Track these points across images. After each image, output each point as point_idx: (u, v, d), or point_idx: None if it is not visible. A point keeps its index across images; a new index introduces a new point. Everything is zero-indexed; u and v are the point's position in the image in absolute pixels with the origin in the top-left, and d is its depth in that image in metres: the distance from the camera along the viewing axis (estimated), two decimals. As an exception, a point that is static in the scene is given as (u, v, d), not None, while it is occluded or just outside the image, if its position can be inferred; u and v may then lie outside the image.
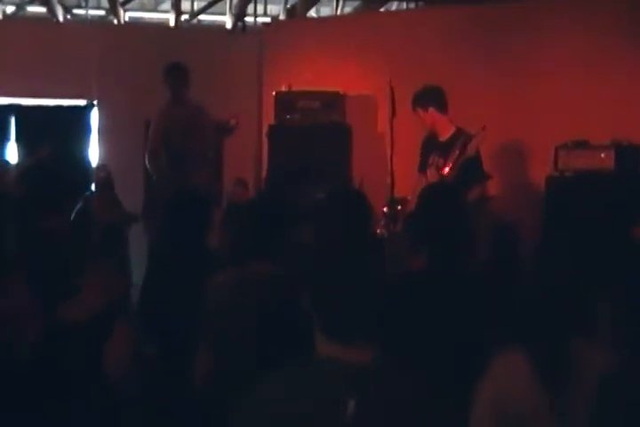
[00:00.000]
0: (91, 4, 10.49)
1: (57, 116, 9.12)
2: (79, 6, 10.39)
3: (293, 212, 4.06)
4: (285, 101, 8.20)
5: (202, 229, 4.44)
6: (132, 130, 8.54)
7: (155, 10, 11.61)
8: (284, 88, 8.30)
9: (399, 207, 6.52)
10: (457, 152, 6.18)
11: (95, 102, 9.29)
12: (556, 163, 6.63)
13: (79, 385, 3.15)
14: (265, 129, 8.46)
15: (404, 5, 10.25)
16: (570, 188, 6.48)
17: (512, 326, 2.67)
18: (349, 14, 10.27)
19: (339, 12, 10.20)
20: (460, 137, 6.26)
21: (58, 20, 9.61)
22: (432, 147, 6.49)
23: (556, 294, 2.45)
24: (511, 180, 7.39)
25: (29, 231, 4.39)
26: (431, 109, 6.36)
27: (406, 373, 1.99)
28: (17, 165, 7.74)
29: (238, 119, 7.29)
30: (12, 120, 9.02)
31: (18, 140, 8.89)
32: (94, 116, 9.31)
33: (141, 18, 11.39)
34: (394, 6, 10.41)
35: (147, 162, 7.15)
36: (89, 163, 9.03)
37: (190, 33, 10.16)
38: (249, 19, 9.96)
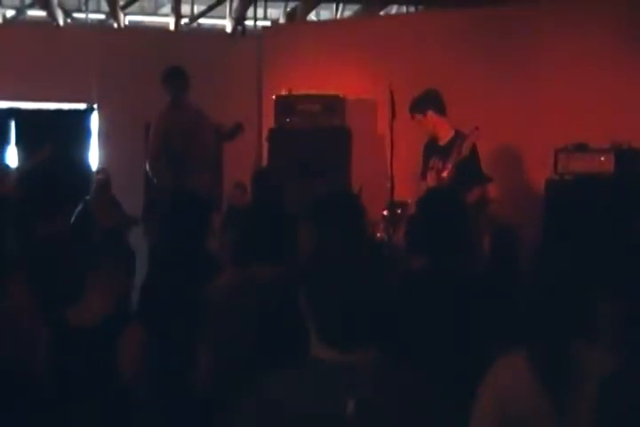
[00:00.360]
0: (91, 7, 10.50)
1: (57, 119, 9.13)
2: (79, 10, 10.40)
3: (293, 214, 4.05)
4: (285, 105, 8.21)
5: (201, 231, 4.44)
6: (131, 133, 8.55)
7: (155, 13, 11.62)
8: (283, 92, 8.31)
9: (399, 211, 6.53)
10: (455, 155, 6.19)
11: (95, 106, 9.30)
12: (555, 166, 6.64)
13: (93, 387, 3.16)
14: (265, 132, 8.47)
15: (404, 9, 10.26)
16: (569, 191, 6.48)
17: (513, 327, 2.67)
18: (349, 18, 10.28)
19: (338, 16, 10.21)
20: (458, 139, 6.28)
21: (58, 24, 9.62)
22: (432, 151, 6.50)
23: (556, 295, 2.45)
24: (511, 183, 7.39)
25: (29, 234, 4.39)
26: (430, 113, 6.36)
27: (406, 373, 1.99)
28: (17, 168, 7.74)
29: (242, 125, 7.29)
30: (12, 124, 9.03)
31: (18, 143, 8.90)
32: (94, 120, 9.32)
33: (141, 21, 11.40)
34: (394, 10, 10.42)
35: (147, 166, 7.15)
36: (89, 166, 9.04)
37: (190, 37, 10.17)
38: (249, 22, 9.97)
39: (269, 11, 10.54)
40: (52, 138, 7.61)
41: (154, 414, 3.32)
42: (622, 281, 2.71)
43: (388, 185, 6.66)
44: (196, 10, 10.53)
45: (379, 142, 7.90)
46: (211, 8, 10.36)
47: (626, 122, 6.82)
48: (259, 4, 10.01)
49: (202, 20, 10.76)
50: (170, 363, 3.86)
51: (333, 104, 8.17)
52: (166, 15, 10.50)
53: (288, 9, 10.21)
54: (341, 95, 8.20)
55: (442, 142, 6.46)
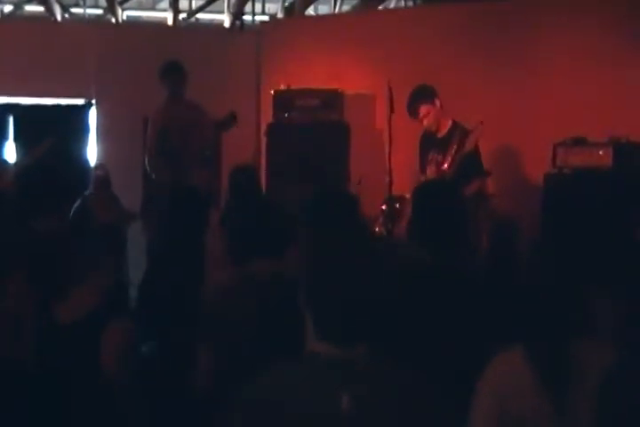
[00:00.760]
0: (88, 2, 10.49)
1: (55, 115, 9.12)
2: (77, 5, 10.38)
3: (292, 210, 4.05)
4: (284, 100, 8.21)
5: (199, 227, 4.44)
6: (130, 129, 8.54)
7: (152, 8, 11.59)
8: (282, 86, 8.30)
9: (397, 205, 6.53)
10: (455, 147, 6.19)
11: (93, 101, 9.28)
12: (554, 160, 6.63)
13: (76, 382, 3.15)
14: (264, 127, 8.46)
15: (403, 3, 10.25)
16: (568, 185, 6.48)
17: (511, 324, 2.67)
18: (347, 12, 10.27)
19: (337, 11, 10.19)
20: (457, 131, 6.28)
21: (55, 19, 9.61)
22: (430, 144, 6.51)
23: (555, 292, 2.44)
24: (509, 177, 7.39)
25: (27, 230, 4.38)
26: (436, 101, 6.38)
27: (402, 370, 1.99)
28: (15, 163, 7.73)
29: (236, 115, 7.26)
30: (11, 119, 9.01)
31: (16, 139, 8.89)
32: (92, 116, 9.30)
33: (139, 17, 11.38)
34: (392, 4, 10.40)
35: (145, 161, 7.14)
36: (87, 162, 9.03)
37: (188, 32, 10.16)
38: (247, 17, 9.96)
39: (267, 5, 10.53)
40: (50, 133, 7.59)
41: (139, 410, 3.31)
42: (621, 277, 2.71)
43: (387, 180, 6.66)
44: (194, 5, 10.52)
45: (377, 137, 7.89)
46: (209, 3, 10.34)
47: (624, 116, 6.81)
48: (257, -2, 10.01)
49: (200, 15, 10.74)
50: (168, 361, 3.86)
51: (332, 99, 8.16)
52: (164, 10, 10.48)
53: (286, 4, 10.20)
54: (340, 90, 8.19)
55: (440, 134, 6.47)
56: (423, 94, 6.40)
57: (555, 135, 6.72)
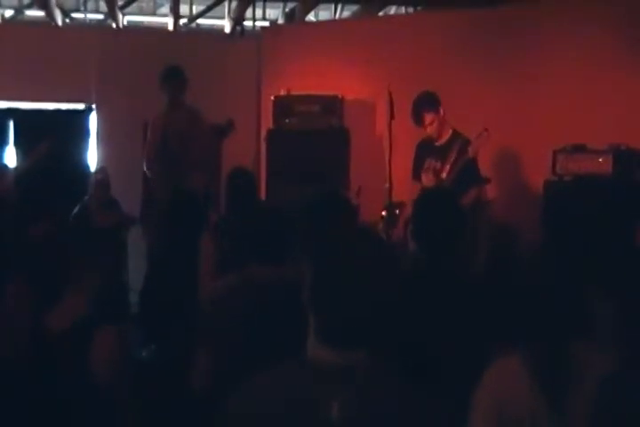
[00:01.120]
0: (89, 7, 10.51)
1: (55, 119, 9.12)
2: (78, 10, 10.40)
3: (292, 215, 4.06)
4: (284, 106, 8.21)
5: (199, 231, 4.45)
6: (130, 134, 8.54)
7: (153, 14, 11.61)
8: (282, 92, 8.32)
9: (397, 211, 6.53)
10: (454, 156, 6.20)
11: (94, 106, 9.29)
12: (554, 167, 6.63)
13: (66, 389, 3.14)
14: (263, 133, 8.47)
15: (403, 9, 10.26)
16: (568, 192, 6.48)
17: (510, 328, 2.67)
18: (348, 18, 10.29)
19: (337, 17, 10.21)
20: (457, 140, 6.29)
21: (56, 24, 9.62)
22: (428, 152, 6.51)
23: (554, 296, 2.45)
24: (509, 184, 7.39)
25: (26, 234, 4.39)
26: (440, 109, 6.40)
27: (402, 379, 1.98)
28: (15, 168, 7.74)
29: (234, 122, 7.27)
30: (11, 124, 9.01)
31: (16, 144, 8.88)
32: (93, 120, 9.31)
33: (140, 22, 11.40)
34: (392, 10, 10.42)
35: (144, 166, 7.15)
36: (87, 167, 9.03)
37: (189, 37, 10.17)
38: (247, 23, 9.98)
39: (268, 11, 10.54)
40: (50, 138, 7.60)
41: (135, 414, 3.31)
42: (621, 282, 2.71)
43: (387, 186, 6.67)
44: (195, 10, 10.54)
45: (377, 143, 7.90)
46: (209, 8, 10.36)
47: (624, 123, 6.82)
48: (257, 4, 10.01)
49: (200, 21, 10.76)
50: (168, 364, 3.86)
51: (332, 105, 8.16)
52: (165, 15, 10.51)
53: (287, 9, 10.21)
54: (340, 96, 8.19)
55: (439, 143, 6.48)
56: (429, 102, 6.41)
57: (555, 142, 6.72)
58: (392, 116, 6.62)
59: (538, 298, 2.49)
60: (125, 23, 10.29)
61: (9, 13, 10.32)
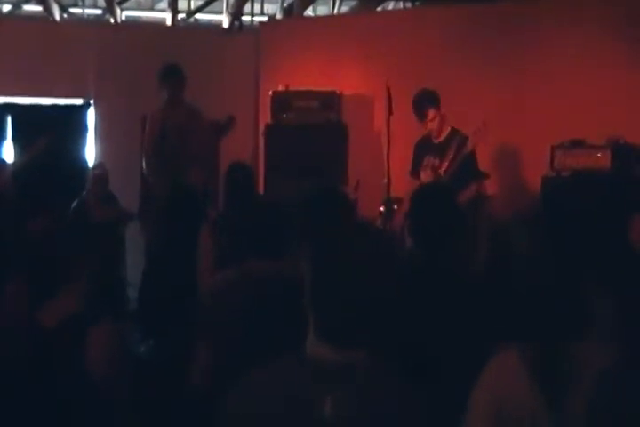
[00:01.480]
0: (87, 2, 10.49)
1: (53, 115, 9.11)
2: (75, 5, 10.38)
3: (290, 210, 4.06)
4: (282, 101, 8.21)
5: (197, 227, 4.44)
6: (128, 129, 8.53)
7: (151, 9, 11.59)
8: (280, 87, 8.31)
9: (395, 207, 6.54)
10: (452, 153, 6.22)
11: (91, 101, 9.28)
12: (552, 162, 6.64)
13: (64, 386, 3.13)
14: (262, 128, 8.46)
15: (401, 4, 10.25)
16: (566, 187, 6.48)
17: (509, 326, 2.67)
18: (346, 13, 10.27)
19: (335, 12, 10.20)
20: (455, 137, 6.31)
21: (54, 19, 9.60)
22: (426, 149, 6.53)
23: (553, 292, 2.44)
24: (508, 179, 7.40)
25: (24, 230, 4.38)
26: (440, 108, 6.41)
27: (394, 373, 1.98)
28: (13, 163, 7.73)
29: (234, 119, 7.27)
30: (9, 119, 9.00)
31: (14, 139, 8.88)
32: (91, 116, 9.30)
33: (138, 17, 11.38)
34: (390, 5, 10.40)
35: (143, 162, 7.14)
36: (85, 162, 9.03)
37: (187, 32, 10.16)
38: (246, 18, 9.95)
39: (266, 6, 10.53)
40: (48, 133, 7.59)
41: (128, 413, 3.30)
42: (620, 278, 2.71)
43: (385, 181, 6.66)
44: (193, 5, 10.52)
45: (375, 138, 7.90)
46: (207, 3, 10.34)
47: (622, 118, 6.82)
48: (255, -1, 10.01)
49: (198, 16, 10.74)
50: (166, 359, 3.86)
51: (330, 100, 8.16)
52: (163, 10, 10.48)
53: (285, 4, 10.20)
54: (338, 91, 8.19)
55: (437, 140, 6.49)
56: (432, 99, 6.43)
57: (553, 137, 6.72)
58: (390, 112, 6.62)
59: (536, 295, 2.49)
60: (123, 18, 10.26)
61: (6, 8, 10.29)
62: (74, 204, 7.49)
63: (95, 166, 8.42)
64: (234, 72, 9.20)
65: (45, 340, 3.18)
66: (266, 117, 8.43)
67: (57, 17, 9.62)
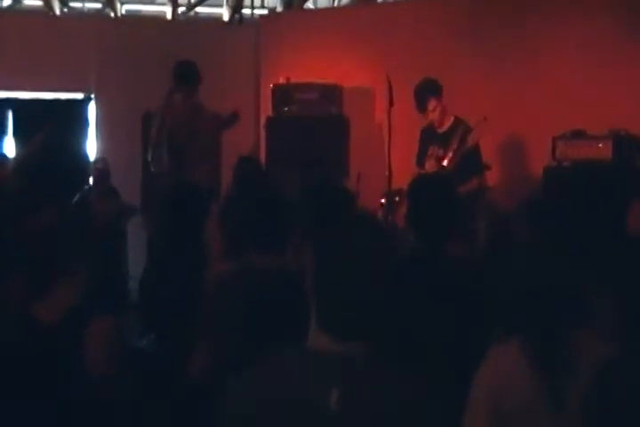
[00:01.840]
0: (87, -4, 10.46)
1: (54, 109, 9.10)
2: (76, -1, 10.36)
3: (292, 203, 4.06)
4: (283, 94, 8.20)
5: (200, 221, 4.44)
6: (129, 123, 8.53)
7: (152, 2, 11.54)
8: (281, 80, 8.30)
9: (397, 199, 6.53)
10: (456, 143, 6.21)
11: (92, 96, 9.27)
12: (553, 153, 6.63)
13: (60, 384, 3.13)
14: (263, 121, 8.46)
15: (402, -4, 10.20)
16: (567, 178, 6.47)
17: (509, 315, 2.67)
18: (346, 6, 10.23)
19: (336, 4, 10.17)
20: (459, 127, 6.31)
21: (54, 13, 9.58)
22: (431, 138, 6.53)
23: (552, 283, 2.44)
24: (509, 170, 7.39)
25: (24, 225, 4.37)
26: (442, 98, 6.41)
27: (394, 364, 1.98)
28: (15, 158, 7.73)
29: (239, 113, 7.28)
30: (10, 114, 9.00)
31: (15, 134, 8.88)
32: (92, 110, 9.29)
33: (138, 11, 11.34)
34: (391, -3, 10.36)
35: (148, 155, 7.14)
36: (87, 156, 9.00)
37: (187, 25, 10.13)
38: (246, 11, 9.93)
39: (266, -1, 10.50)
40: (48, 124, 7.59)
41: (127, 409, 3.30)
42: (621, 269, 2.70)
43: (386, 173, 6.66)
44: (193, -2, 10.49)
45: (376, 131, 7.89)
46: (207, -4, 10.32)
47: (623, 109, 6.81)
48: (256, -8, 9.98)
49: (199, 9, 10.70)
50: (168, 354, 3.87)
51: (331, 92, 8.16)
52: (163, 4, 10.45)
53: (285, -3, 10.17)
54: (339, 84, 8.18)
55: (441, 130, 6.49)
56: (432, 88, 6.43)
57: (554, 128, 6.71)
58: (391, 104, 6.61)
59: (537, 285, 2.49)
60: (123, 12, 10.24)
61: (7, 2, 10.27)
62: (75, 198, 7.48)
63: (96, 161, 8.42)
64: (234, 65, 9.19)
65: (43, 335, 3.18)
66: (267, 110, 8.43)
67: (57, 11, 9.61)
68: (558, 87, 7.24)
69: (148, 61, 8.67)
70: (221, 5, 10.06)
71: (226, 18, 9.92)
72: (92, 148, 9.20)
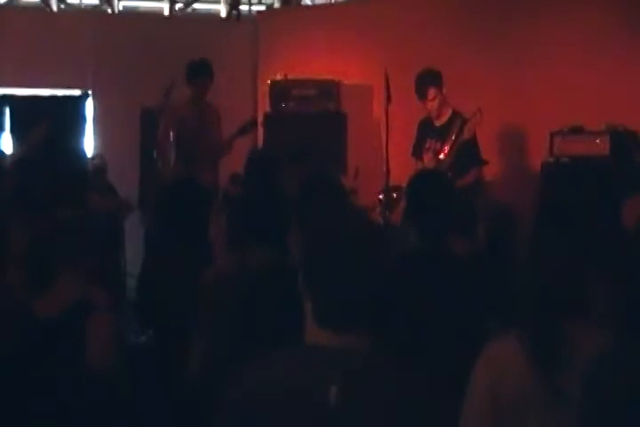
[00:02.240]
0: (85, -7, 10.44)
1: (51, 106, 9.07)
2: (73, -5, 10.33)
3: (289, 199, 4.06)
4: (281, 90, 8.20)
5: (198, 216, 4.44)
6: (127, 119, 8.53)
7: (149, -1, 11.54)
8: (279, 76, 8.29)
9: (394, 195, 6.54)
10: (454, 136, 6.21)
11: (90, 92, 9.26)
12: (551, 149, 6.63)
13: (61, 378, 3.13)
14: (260, 117, 8.45)
15: (399, -8, 10.19)
16: (565, 173, 6.48)
17: (508, 308, 2.67)
18: (344, 2, 10.23)
19: (333, 0, 10.16)
20: (456, 120, 6.30)
21: (51, 10, 9.57)
22: (428, 131, 6.53)
23: (550, 276, 2.45)
24: (507, 165, 7.40)
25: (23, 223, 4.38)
26: (443, 88, 6.41)
27: (393, 359, 1.98)
28: (12, 155, 7.71)
29: (256, 121, 7.35)
30: (7, 111, 8.98)
31: (12, 130, 8.86)
32: (89, 106, 9.28)
33: (135, 7, 11.32)
34: (389, -7, 10.34)
35: (155, 153, 7.16)
36: (84, 153, 9.01)
37: (185, 22, 10.13)
38: (243, 7, 9.92)
39: (264, -5, 10.48)
40: (45, 120, 7.58)
41: (128, 401, 3.30)
42: (619, 263, 2.71)
43: (384, 169, 6.66)
44: (191, -5, 10.47)
45: (374, 127, 7.89)
46: (205, -7, 10.31)
47: (621, 104, 6.81)
48: (253, -12, 9.97)
49: (196, 5, 10.69)
50: (167, 350, 3.87)
51: (329, 89, 8.15)
52: (160, 0, 10.45)
53: (283, -7, 10.16)
54: (337, 80, 8.18)
55: (438, 122, 6.49)
56: (433, 78, 6.43)
57: (552, 124, 6.71)
58: (389, 100, 6.60)
59: (535, 278, 2.49)
60: (121, 8, 10.22)
61: (4, -1, 10.26)
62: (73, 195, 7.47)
63: (94, 157, 8.41)
64: (232, 62, 9.18)
65: (44, 331, 3.19)
66: (264, 107, 8.42)
67: (54, 7, 9.59)
68: (556, 82, 7.24)
69: (145, 58, 8.66)
70: (219, 2, 10.06)
71: (223, 14, 9.92)
72: (89, 144, 9.19)
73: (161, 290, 4.06)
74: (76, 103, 9.23)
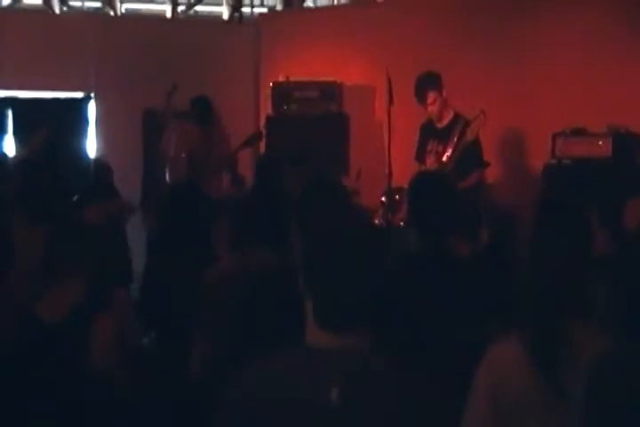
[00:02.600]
0: (87, -5, 10.46)
1: (54, 108, 9.09)
2: (75, -3, 10.35)
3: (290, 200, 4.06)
4: (283, 92, 8.21)
5: (202, 219, 4.44)
6: (129, 122, 8.54)
7: (151, 1, 11.54)
8: (281, 78, 8.30)
9: (397, 197, 6.53)
10: (456, 138, 6.21)
11: (92, 94, 9.27)
12: (553, 150, 6.63)
13: (64, 381, 3.13)
14: (262, 120, 8.46)
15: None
16: (567, 175, 6.48)
17: (509, 310, 2.67)
18: (346, 4, 10.24)
19: (335, 2, 10.17)
20: (459, 123, 6.30)
21: (54, 12, 9.59)
22: (430, 133, 6.53)
23: (552, 278, 2.45)
24: (509, 167, 7.39)
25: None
26: (443, 90, 6.41)
27: (393, 359, 1.98)
28: (14, 157, 7.72)
29: (262, 134, 7.40)
30: (9, 113, 8.99)
31: (15, 133, 8.87)
32: (91, 109, 9.29)
33: (138, 9, 11.34)
34: (391, -5, 10.35)
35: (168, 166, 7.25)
36: (87, 155, 9.02)
37: (187, 24, 10.14)
38: (246, 9, 9.94)
39: (266, -3, 10.50)
40: (47, 123, 7.59)
41: (132, 402, 3.30)
42: (621, 264, 2.71)
43: (386, 171, 6.66)
44: (193, -3, 10.49)
45: (376, 129, 7.89)
46: (207, -5, 10.32)
47: (623, 106, 6.80)
48: (255, -10, 9.99)
49: (198, 8, 10.71)
50: (170, 350, 3.87)
51: (331, 91, 8.16)
52: (163, 3, 10.46)
53: (285, -5, 10.17)
54: (339, 82, 8.19)
55: (440, 125, 6.49)
56: (433, 81, 6.42)
57: (554, 125, 6.71)
58: (391, 102, 6.60)
59: (536, 279, 2.49)
60: (123, 10, 10.24)
61: (6, 1, 10.27)
62: (75, 197, 7.48)
63: (96, 160, 8.41)
64: (234, 64, 9.19)
65: (47, 334, 3.19)
66: (267, 109, 8.43)
67: (57, 9, 9.61)
68: (557, 84, 7.24)
69: (147, 60, 8.66)
70: (221, 4, 10.07)
71: (225, 16, 9.93)
72: (91, 147, 9.20)
73: (163, 291, 4.07)
74: (79, 105, 9.24)
